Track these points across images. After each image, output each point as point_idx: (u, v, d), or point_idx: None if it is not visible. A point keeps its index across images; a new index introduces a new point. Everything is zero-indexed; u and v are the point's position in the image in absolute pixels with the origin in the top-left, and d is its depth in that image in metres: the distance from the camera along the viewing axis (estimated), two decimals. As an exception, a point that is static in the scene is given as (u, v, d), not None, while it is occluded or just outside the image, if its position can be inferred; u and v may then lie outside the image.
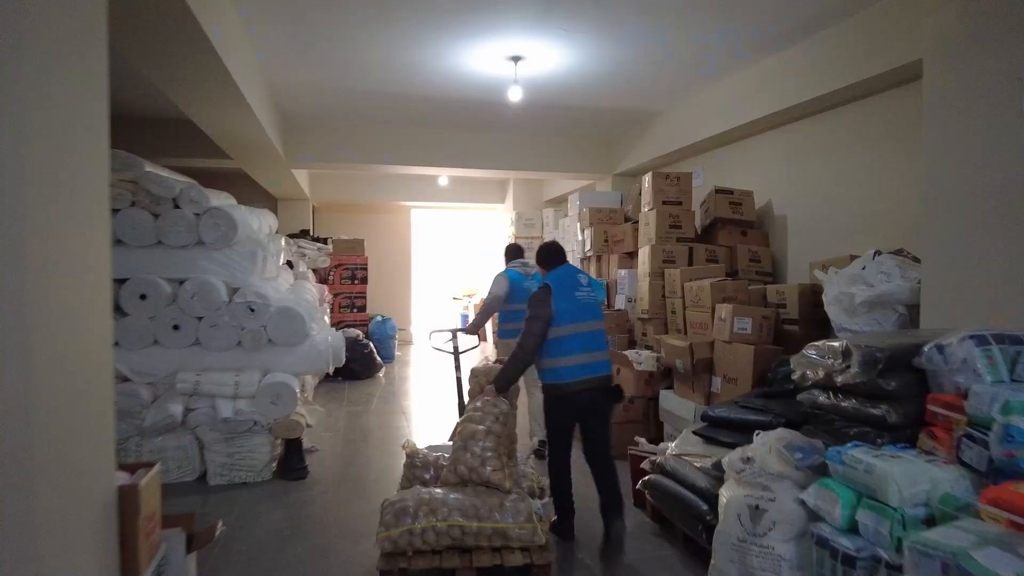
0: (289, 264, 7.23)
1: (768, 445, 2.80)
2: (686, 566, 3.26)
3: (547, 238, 9.40)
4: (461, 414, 3.95)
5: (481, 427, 3.25)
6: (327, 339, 4.99)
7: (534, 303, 3.39)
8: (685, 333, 4.95)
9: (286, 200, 10.80)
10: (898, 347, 2.61)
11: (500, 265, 5.27)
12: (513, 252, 5.22)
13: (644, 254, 5.42)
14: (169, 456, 4.46)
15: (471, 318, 7.56)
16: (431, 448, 3.88)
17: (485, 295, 5.07)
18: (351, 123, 7.59)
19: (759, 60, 5.23)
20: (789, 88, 4.93)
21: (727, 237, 5.59)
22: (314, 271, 9.17)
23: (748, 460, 2.89)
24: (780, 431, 2.85)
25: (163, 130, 7.18)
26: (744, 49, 4.98)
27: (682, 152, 6.78)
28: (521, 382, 3.79)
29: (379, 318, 10.20)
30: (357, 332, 8.88)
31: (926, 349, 2.51)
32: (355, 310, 9.70)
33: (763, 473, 2.78)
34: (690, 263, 5.34)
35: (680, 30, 4.62)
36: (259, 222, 5.71)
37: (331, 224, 11.83)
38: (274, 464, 4.68)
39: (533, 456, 4.24)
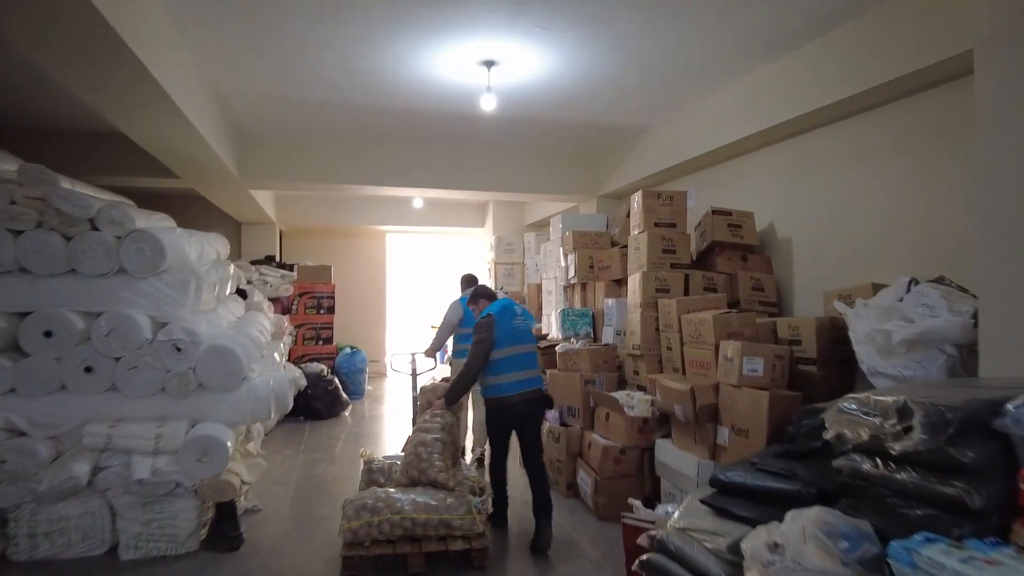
0: (242, 293, 6.54)
1: (802, 529, 2.16)
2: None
3: (528, 262, 8.82)
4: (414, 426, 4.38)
5: (429, 436, 3.90)
6: (269, 382, 4.29)
7: (479, 330, 3.97)
8: (683, 373, 4.32)
9: (250, 224, 10.15)
10: (972, 405, 1.99)
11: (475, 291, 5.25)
12: (468, 281, 5.83)
13: (634, 282, 4.82)
14: (72, 526, 3.73)
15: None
16: (386, 457, 4.45)
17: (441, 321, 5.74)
18: (311, 139, 6.98)
19: (765, 63, 4.71)
20: (798, 94, 4.40)
21: (726, 263, 5.01)
22: (276, 300, 8.48)
23: (777, 547, 2.24)
24: (817, 511, 2.21)
25: (111, 146, 6.51)
26: (749, 50, 4.45)
27: (674, 170, 6.24)
28: (468, 399, 4.36)
29: (348, 350, 9.48)
30: (321, 367, 8.16)
31: (1011, 408, 1.91)
32: (321, 342, 8.99)
33: (798, 568, 2.14)
34: (686, 292, 4.74)
35: (674, 29, 4.08)
36: (201, 247, 5.03)
37: (300, 250, 11.16)
38: (202, 532, 3.95)
39: (476, 463, 4.94)
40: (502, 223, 10.43)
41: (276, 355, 6.10)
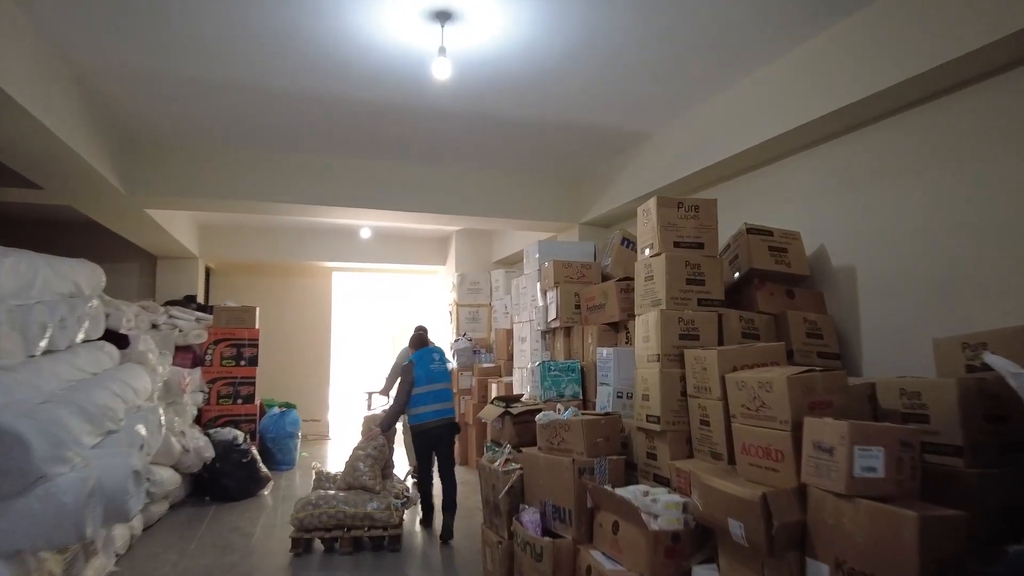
0: (121, 340, 4.94)
1: None
2: None
3: (497, 304, 7.42)
4: None
5: (363, 452, 4.96)
6: (89, 482, 2.71)
7: (404, 373, 5.08)
8: (730, 460, 2.90)
9: (168, 259, 8.56)
10: None
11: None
12: (415, 338, 5.64)
13: (648, 324, 3.41)
14: None
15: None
16: (334, 472, 5.23)
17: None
18: (219, 144, 5.53)
19: (811, 35, 3.47)
20: (863, 69, 3.15)
21: (768, 300, 3.66)
22: (187, 349, 6.85)
23: None
24: None
25: None
26: (789, 19, 3.21)
27: (680, 186, 4.94)
28: (400, 426, 5.40)
29: (276, 410, 7.83)
30: (235, 433, 6.50)
31: None
32: (239, 400, 7.32)
33: None
34: (720, 340, 3.36)
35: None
36: (33, 273, 3.50)
37: (232, 290, 9.56)
38: None
39: (410, 475, 5.35)
40: (466, 259, 9.02)
41: (156, 423, 4.49)
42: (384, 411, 5.46)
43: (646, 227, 3.56)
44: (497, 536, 3.75)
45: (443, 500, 5.01)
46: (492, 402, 4.60)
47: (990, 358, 2.26)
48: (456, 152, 5.71)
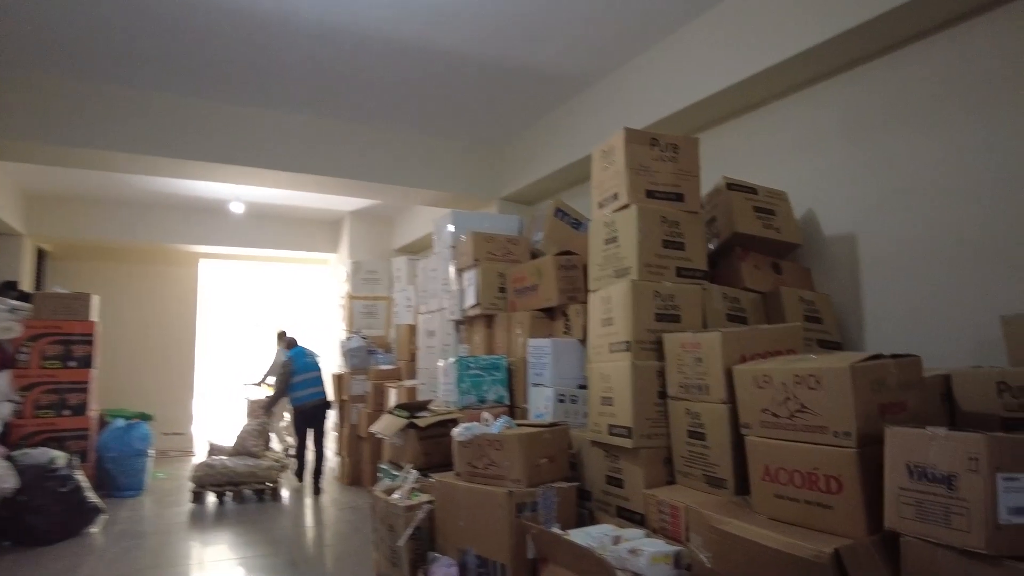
0: None
1: None
2: None
3: (398, 296, 6.34)
4: None
5: (250, 428, 6.26)
6: None
7: (283, 366, 6.20)
8: (738, 490, 2.03)
9: (-21, 234, 6.80)
10: None
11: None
12: (290, 342, 6.69)
13: (608, 303, 2.50)
14: None
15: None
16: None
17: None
18: (29, 68, 4.11)
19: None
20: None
21: (754, 273, 2.86)
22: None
23: None
24: None
25: None
26: None
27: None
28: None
29: (120, 422, 6.31)
30: (52, 455, 4.99)
31: None
32: (68, 411, 5.78)
33: None
34: (704, 323, 2.50)
35: None
36: None
37: (74, 278, 7.84)
38: None
39: (287, 452, 6.81)
40: (362, 245, 7.83)
41: None
42: (267, 397, 6.69)
43: (607, 173, 2.66)
44: (396, 595, 2.70)
45: (314, 466, 6.22)
46: (391, 411, 3.54)
47: None
48: (349, 100, 4.61)
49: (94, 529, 5.08)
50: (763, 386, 1.90)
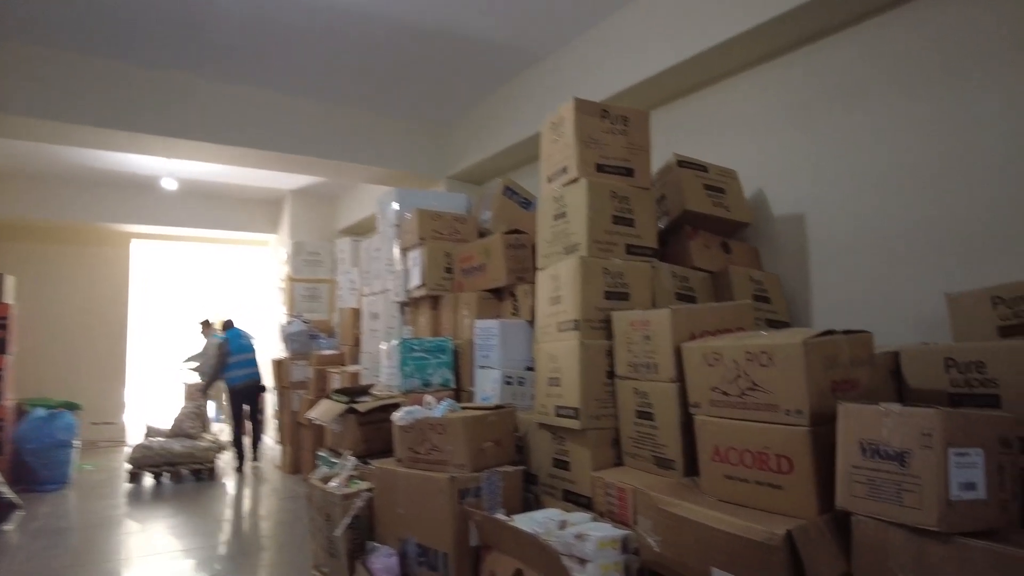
0: None
1: None
2: None
3: (342, 279, 6.11)
4: None
5: (187, 410, 6.35)
6: None
7: (219, 347, 6.36)
8: (687, 471, 1.98)
9: None
10: None
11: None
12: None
13: (556, 280, 2.40)
14: None
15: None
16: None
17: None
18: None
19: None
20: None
21: (703, 252, 2.82)
22: None
23: None
24: None
25: None
26: None
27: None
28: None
29: (41, 412, 5.91)
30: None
31: None
32: (-21, 401, 5.38)
33: None
34: (653, 303, 2.44)
35: None
36: None
37: (4, 259, 7.28)
38: None
39: (229, 429, 6.88)
40: (304, 226, 7.55)
41: None
42: (202, 379, 6.89)
43: (556, 145, 2.56)
44: (333, 587, 2.57)
45: (252, 437, 6.58)
46: (330, 396, 3.38)
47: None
48: (290, 71, 4.37)
49: (8, 527, 4.75)
50: (713, 364, 1.84)
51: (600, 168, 2.44)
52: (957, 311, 2.02)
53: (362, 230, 7.34)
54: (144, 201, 7.36)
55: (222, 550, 3.82)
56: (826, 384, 1.60)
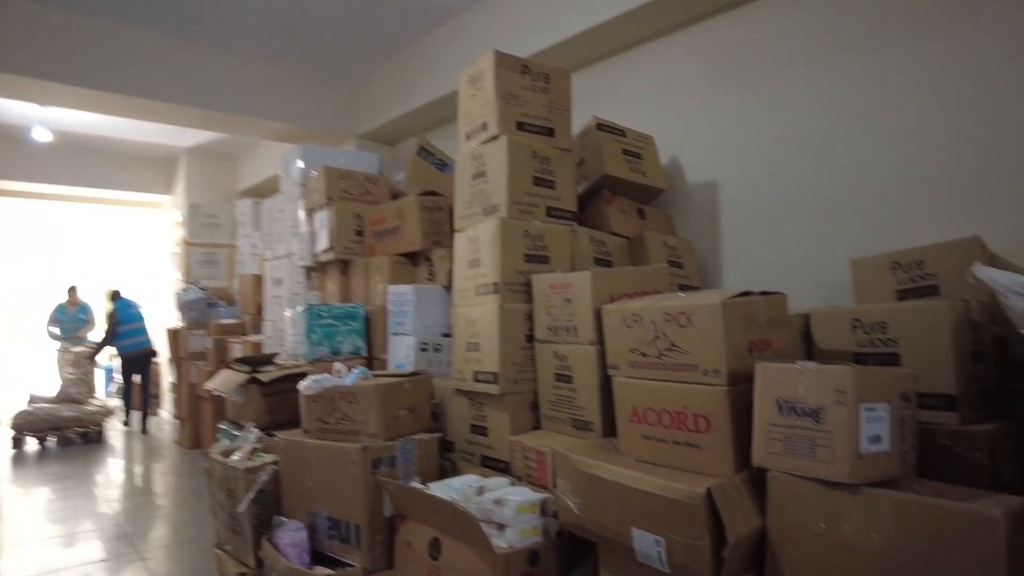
0: None
1: None
2: None
3: (243, 243, 5.75)
4: None
5: (71, 377, 6.71)
6: None
7: (109, 318, 6.54)
8: (605, 432, 1.98)
9: None
10: None
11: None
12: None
13: (475, 243, 2.32)
14: None
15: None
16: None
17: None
18: None
19: None
20: None
21: (620, 218, 2.81)
22: None
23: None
24: None
25: None
26: None
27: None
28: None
29: None
30: None
31: None
32: None
33: None
34: (572, 267, 2.41)
35: None
36: None
37: None
38: None
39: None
40: (200, 187, 7.04)
41: None
42: (91, 347, 7.01)
43: (475, 101, 2.45)
44: (238, 566, 2.42)
45: (142, 407, 6.72)
46: (230, 366, 3.17)
47: (986, 272, 1.59)
48: (186, 15, 3.98)
49: None
50: (632, 325, 1.83)
51: (521, 126, 2.35)
52: (860, 276, 2.11)
53: (264, 192, 6.92)
54: (9, 154, 6.59)
55: (115, 531, 3.54)
56: (743, 344, 1.62)
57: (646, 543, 1.53)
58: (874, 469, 1.33)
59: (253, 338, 4.85)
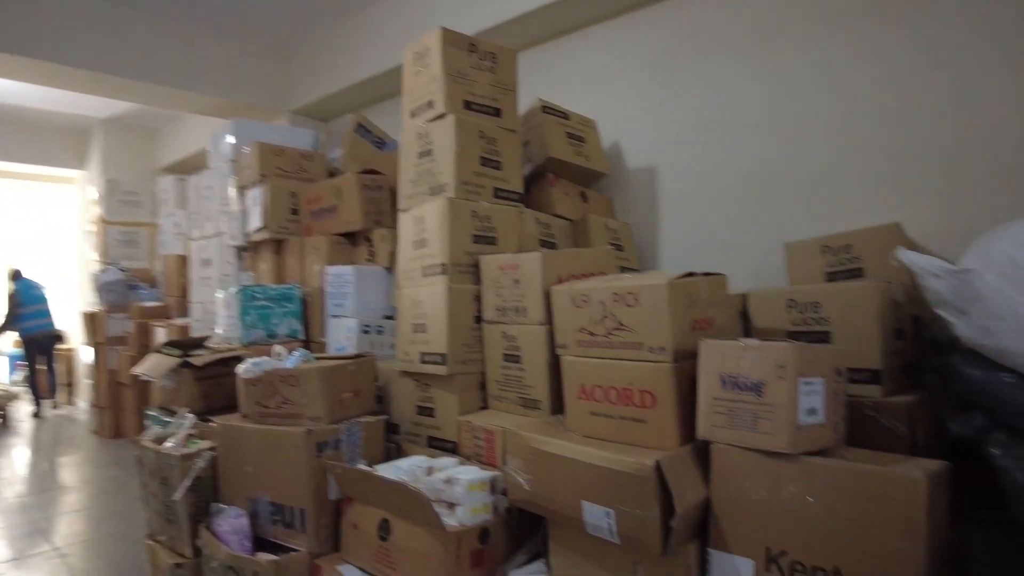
0: None
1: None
2: None
3: (165, 222, 5.48)
4: None
5: None
6: None
7: (11, 299, 6.35)
8: (553, 410, 2.01)
9: None
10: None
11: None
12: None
13: (422, 223, 2.30)
14: None
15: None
16: None
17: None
18: None
19: None
20: None
21: (564, 200, 2.85)
22: None
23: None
24: None
25: None
26: None
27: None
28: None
29: None
30: None
31: None
32: None
33: None
34: (519, 248, 2.42)
35: None
36: None
37: None
38: None
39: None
40: (118, 162, 6.63)
41: None
42: None
43: (421, 78, 2.41)
44: (173, 556, 2.34)
45: (49, 387, 6.75)
46: (159, 349, 3.03)
47: (907, 256, 1.70)
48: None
49: None
50: (581, 306, 1.86)
51: (468, 105, 2.34)
52: (793, 258, 2.22)
53: (188, 168, 6.57)
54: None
55: (24, 528, 3.34)
56: (687, 323, 1.68)
57: (596, 515, 1.58)
58: (811, 439, 1.42)
59: (179, 321, 4.64)
